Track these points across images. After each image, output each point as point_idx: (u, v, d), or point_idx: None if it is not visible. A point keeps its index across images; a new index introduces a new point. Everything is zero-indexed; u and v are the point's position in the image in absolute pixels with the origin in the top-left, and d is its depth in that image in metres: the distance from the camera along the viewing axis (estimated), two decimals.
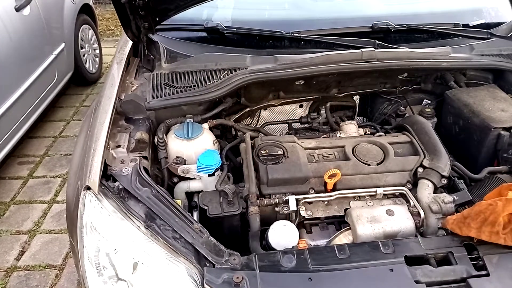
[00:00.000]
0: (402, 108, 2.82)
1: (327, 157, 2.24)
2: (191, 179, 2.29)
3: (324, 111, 2.86)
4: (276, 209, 2.06)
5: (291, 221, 2.06)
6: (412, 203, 2.04)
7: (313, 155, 2.25)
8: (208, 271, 1.61)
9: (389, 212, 2.00)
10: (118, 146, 2.08)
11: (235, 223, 2.03)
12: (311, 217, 2.07)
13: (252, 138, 2.38)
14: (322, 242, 2.10)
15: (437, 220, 1.97)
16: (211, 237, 1.76)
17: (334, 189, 2.11)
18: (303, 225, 2.12)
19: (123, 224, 1.72)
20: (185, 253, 1.67)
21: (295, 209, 2.03)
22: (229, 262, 1.66)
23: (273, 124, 2.93)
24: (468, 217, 1.68)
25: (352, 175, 2.14)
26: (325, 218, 2.11)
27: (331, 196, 2.08)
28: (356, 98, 3.02)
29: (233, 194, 2.02)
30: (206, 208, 2.02)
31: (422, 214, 1.97)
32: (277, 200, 2.05)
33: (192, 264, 1.64)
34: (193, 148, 2.27)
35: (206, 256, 1.68)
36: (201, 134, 2.27)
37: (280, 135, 2.84)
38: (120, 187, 1.90)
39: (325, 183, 2.11)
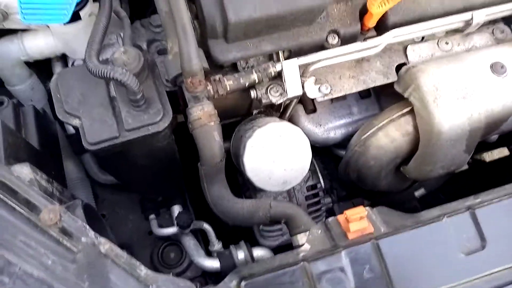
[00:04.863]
0: None
1: None
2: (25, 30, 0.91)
3: None
4: (253, 94, 0.86)
5: (278, 112, 0.92)
6: None
7: None
8: None
9: (497, 68, 0.91)
10: None
11: (155, 148, 0.83)
12: (331, 97, 0.93)
13: None
14: (337, 126, 1.06)
15: None
16: None
17: (382, 26, 0.90)
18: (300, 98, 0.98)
19: None
20: None
21: (300, 91, 0.85)
22: None
23: None
24: None
25: None
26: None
27: (378, 46, 0.88)
28: None
29: (138, 80, 0.75)
30: (76, 127, 0.76)
31: None
32: (255, 74, 0.82)
33: None
34: None
35: None
36: None
37: None
38: None
39: (363, 15, 0.87)
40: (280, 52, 0.85)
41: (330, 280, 0.59)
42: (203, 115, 0.76)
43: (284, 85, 0.84)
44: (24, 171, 0.63)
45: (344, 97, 1.09)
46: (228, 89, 0.80)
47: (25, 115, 0.83)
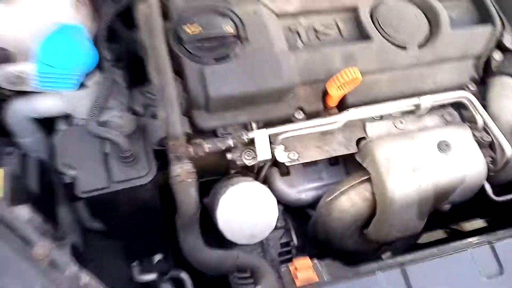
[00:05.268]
0: None
1: (325, 34, 1.10)
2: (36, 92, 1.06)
3: None
4: (229, 156, 0.99)
5: (255, 174, 1.04)
6: (480, 123, 1.09)
7: (296, 30, 1.08)
8: None
9: (444, 147, 1.05)
10: None
11: (141, 200, 0.95)
12: (298, 162, 1.06)
13: None
14: (308, 189, 1.18)
15: None
16: None
17: (342, 104, 1.06)
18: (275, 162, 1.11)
19: None
20: None
21: (269, 156, 0.98)
22: None
23: None
24: None
25: (376, 72, 1.07)
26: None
27: (337, 122, 1.03)
28: None
29: (129, 140, 0.89)
30: (72, 177, 0.89)
31: (506, 148, 1.05)
32: (231, 141, 0.96)
33: None
34: (25, 20, 0.98)
35: None
36: None
37: None
38: None
39: (325, 96, 1.03)
40: (253, 123, 0.99)
41: None
42: (182, 173, 0.89)
43: (255, 151, 0.97)
44: (23, 212, 0.74)
45: (315, 164, 1.21)
46: (207, 151, 0.94)
47: (29, 164, 0.96)
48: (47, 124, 1.14)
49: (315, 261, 0.79)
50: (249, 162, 0.98)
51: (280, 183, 1.17)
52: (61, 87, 0.91)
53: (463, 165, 1.04)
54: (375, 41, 1.07)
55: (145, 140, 0.94)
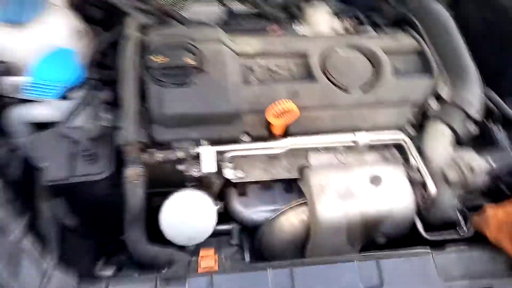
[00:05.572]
0: None
1: (277, 73, 1.27)
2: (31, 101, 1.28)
3: None
4: (179, 167, 1.15)
5: (209, 189, 1.18)
6: (413, 164, 1.20)
7: (252, 68, 1.27)
8: None
9: (375, 180, 1.16)
10: None
11: (100, 195, 1.11)
12: (243, 180, 1.20)
13: (144, 27, 1.30)
14: (262, 210, 1.28)
15: (454, 198, 1.17)
16: None
17: (286, 134, 1.21)
18: (234, 183, 1.25)
19: None
20: None
21: (214, 170, 1.13)
22: None
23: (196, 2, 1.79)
24: None
25: (318, 109, 1.22)
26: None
27: (279, 148, 1.18)
28: None
29: (93, 142, 1.07)
30: (42, 168, 1.07)
31: (432, 187, 1.15)
32: (180, 153, 1.12)
33: None
34: (29, 42, 1.22)
35: None
36: (45, 15, 1.19)
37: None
38: None
39: (270, 125, 1.19)
40: (203, 140, 1.15)
41: None
42: (133, 174, 1.05)
43: (201, 164, 1.13)
44: None
45: (271, 189, 1.32)
46: (157, 160, 1.10)
47: (15, 157, 1.14)
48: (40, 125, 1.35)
49: (221, 255, 0.91)
50: (195, 173, 1.13)
51: (236, 202, 1.28)
52: (45, 96, 1.11)
53: (391, 198, 1.14)
54: (320, 82, 1.23)
55: (110, 144, 1.12)
